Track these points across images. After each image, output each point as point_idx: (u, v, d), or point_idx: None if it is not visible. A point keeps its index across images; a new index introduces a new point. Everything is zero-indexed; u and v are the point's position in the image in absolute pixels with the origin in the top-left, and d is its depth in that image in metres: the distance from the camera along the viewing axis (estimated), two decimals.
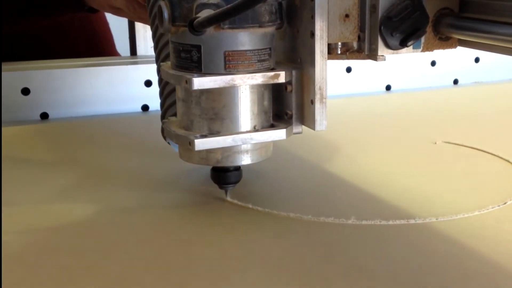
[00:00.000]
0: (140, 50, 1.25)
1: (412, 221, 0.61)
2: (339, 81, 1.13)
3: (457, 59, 1.19)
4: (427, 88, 1.17)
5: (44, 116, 1.00)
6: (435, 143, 0.84)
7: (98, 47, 1.27)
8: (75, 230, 0.61)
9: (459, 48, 0.63)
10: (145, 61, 1.06)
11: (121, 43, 1.35)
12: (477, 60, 1.21)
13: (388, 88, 1.17)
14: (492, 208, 0.64)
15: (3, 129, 0.92)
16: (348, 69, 1.13)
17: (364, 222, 0.61)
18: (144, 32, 1.24)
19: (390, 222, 0.61)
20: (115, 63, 1.05)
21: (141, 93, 1.03)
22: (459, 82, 1.21)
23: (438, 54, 1.17)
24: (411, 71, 1.17)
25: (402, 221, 0.61)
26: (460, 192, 0.69)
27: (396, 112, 1.02)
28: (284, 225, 0.61)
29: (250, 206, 0.64)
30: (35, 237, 0.60)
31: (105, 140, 0.89)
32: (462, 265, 0.54)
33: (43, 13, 1.14)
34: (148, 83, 1.02)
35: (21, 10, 1.13)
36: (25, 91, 0.99)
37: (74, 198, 0.68)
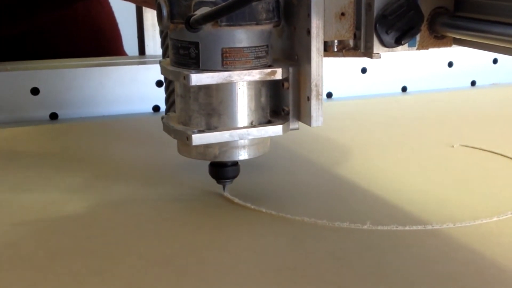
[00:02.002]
0: (149, 50, 1.26)
1: (429, 227, 0.62)
2: (354, 82, 1.14)
3: (474, 60, 1.20)
4: (444, 89, 1.18)
5: (54, 116, 1.02)
6: (453, 147, 0.85)
7: (104, 46, 1.28)
8: (84, 233, 0.62)
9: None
10: (156, 61, 1.08)
11: (130, 42, 1.36)
12: (495, 61, 1.22)
13: (404, 89, 1.18)
14: None
15: (12, 129, 0.94)
16: (363, 70, 1.14)
17: (380, 228, 0.62)
18: (153, 32, 1.25)
19: (407, 228, 0.62)
20: (125, 63, 1.07)
21: (152, 93, 1.04)
22: (477, 84, 1.22)
23: (455, 55, 1.19)
24: (428, 72, 1.18)
25: (419, 227, 0.62)
26: (478, 197, 0.70)
27: (412, 114, 1.03)
28: (299, 230, 0.62)
29: (264, 210, 0.66)
30: (43, 240, 0.61)
31: (116, 141, 0.90)
32: (480, 273, 0.55)
33: (54, 4, 1.15)
34: (159, 83, 1.04)
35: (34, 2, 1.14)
36: (35, 91, 1.00)
37: (83, 200, 0.69)
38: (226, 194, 0.68)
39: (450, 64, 1.19)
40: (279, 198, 0.70)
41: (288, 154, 0.82)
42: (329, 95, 1.13)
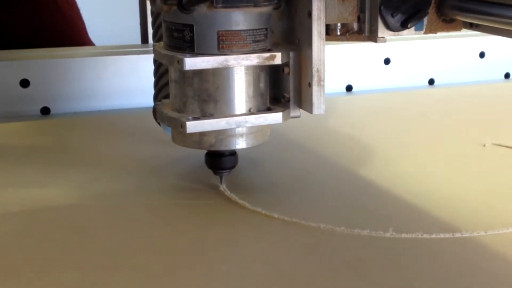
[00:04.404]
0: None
1: (458, 235, 0.62)
2: (377, 73, 1.16)
3: (508, 50, 1.21)
4: (474, 82, 1.18)
5: (45, 111, 1.02)
6: (484, 146, 0.85)
7: (66, 35, 1.27)
8: (77, 240, 0.63)
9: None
10: None
11: (132, 30, 1.38)
12: None
13: (431, 82, 1.19)
14: None
15: (0, 125, 0.95)
16: (387, 61, 1.16)
17: (404, 236, 0.62)
18: None
19: (433, 236, 0.62)
20: (124, 52, 1.08)
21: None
22: (511, 76, 1.23)
23: (488, 44, 1.20)
24: (457, 63, 1.19)
25: (447, 235, 0.62)
26: None
27: (439, 110, 1.04)
28: (314, 238, 0.63)
29: (276, 215, 0.66)
30: (32, 248, 0.61)
31: (113, 138, 0.90)
32: None
33: None
34: None
35: None
36: (24, 83, 1.01)
37: (76, 203, 0.70)
38: (223, 186, 0.70)
39: (482, 55, 1.20)
40: (292, 202, 0.70)
41: (303, 152, 0.84)
42: (349, 88, 1.15)
